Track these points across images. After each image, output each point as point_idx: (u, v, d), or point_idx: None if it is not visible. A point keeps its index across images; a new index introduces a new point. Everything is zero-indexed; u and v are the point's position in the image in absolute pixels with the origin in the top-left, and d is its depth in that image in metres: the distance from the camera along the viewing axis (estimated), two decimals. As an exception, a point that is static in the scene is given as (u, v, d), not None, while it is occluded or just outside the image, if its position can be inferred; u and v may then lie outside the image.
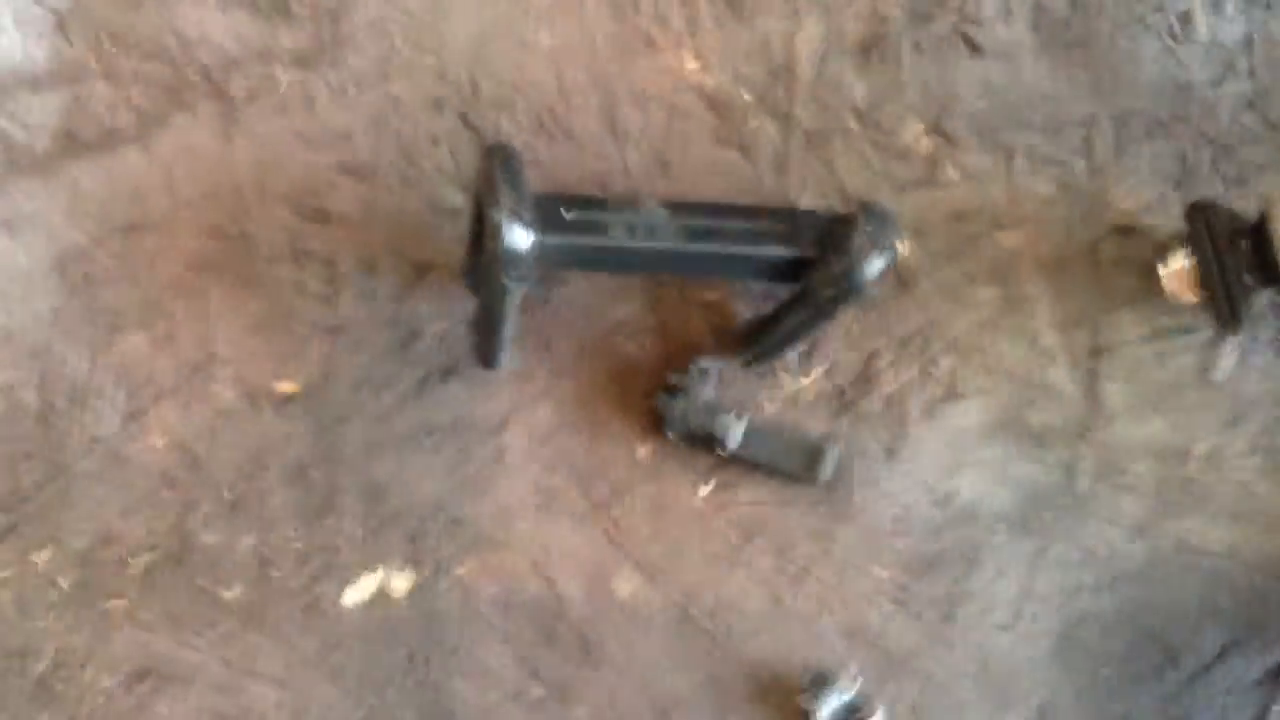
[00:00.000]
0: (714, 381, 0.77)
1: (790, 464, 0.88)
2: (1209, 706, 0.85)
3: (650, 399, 0.81)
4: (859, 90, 0.80)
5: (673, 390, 0.88)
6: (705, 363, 0.77)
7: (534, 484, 0.82)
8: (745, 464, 0.79)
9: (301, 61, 0.86)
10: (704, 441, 0.87)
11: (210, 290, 0.84)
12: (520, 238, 0.73)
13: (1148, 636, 0.85)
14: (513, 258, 0.73)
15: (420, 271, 0.81)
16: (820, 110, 0.80)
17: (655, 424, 0.80)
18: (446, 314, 0.80)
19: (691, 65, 0.83)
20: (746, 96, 0.82)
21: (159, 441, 0.82)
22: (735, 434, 0.78)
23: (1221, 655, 0.86)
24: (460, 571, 0.87)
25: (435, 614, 0.77)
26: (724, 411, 0.80)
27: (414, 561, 0.79)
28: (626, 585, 0.86)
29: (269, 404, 0.80)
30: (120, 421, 0.83)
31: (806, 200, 0.86)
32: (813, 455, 0.85)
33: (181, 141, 0.86)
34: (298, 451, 0.88)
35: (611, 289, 0.81)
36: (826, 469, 0.84)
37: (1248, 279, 0.73)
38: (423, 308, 0.81)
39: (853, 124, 0.80)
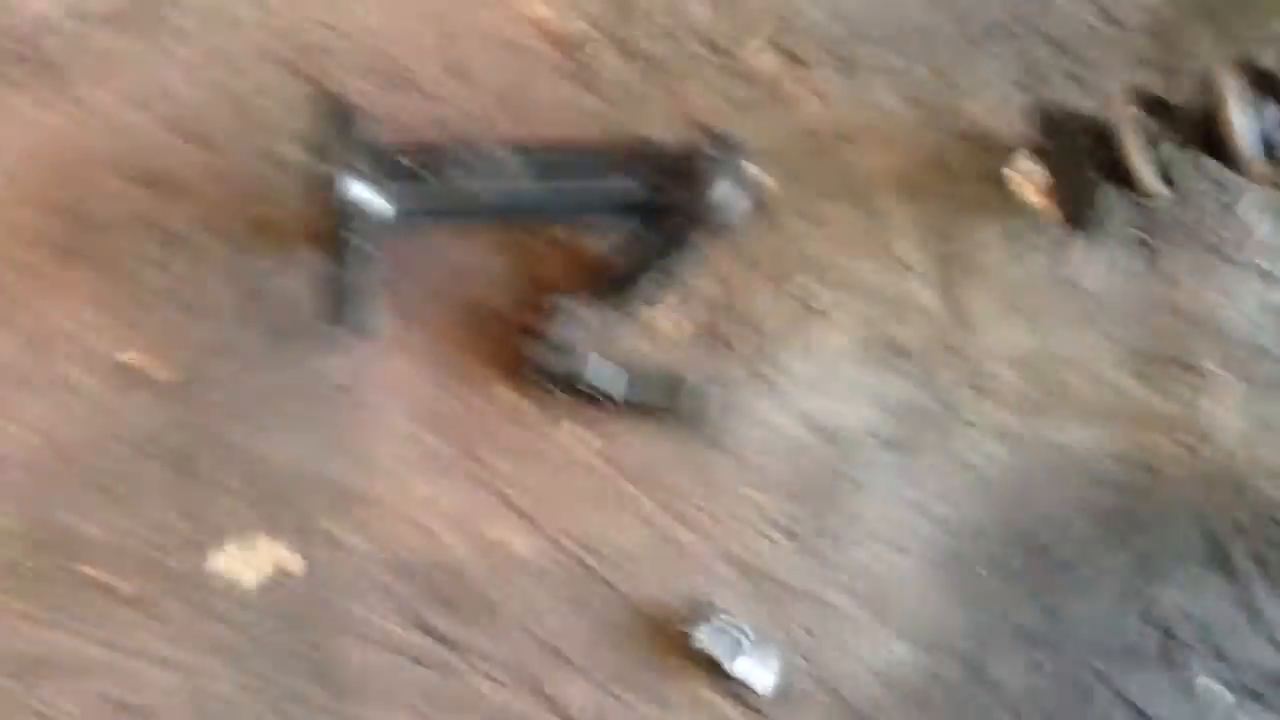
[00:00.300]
0: (575, 322, 0.75)
1: (654, 397, 0.90)
2: (1085, 594, 0.90)
3: (512, 345, 0.78)
4: (700, 14, 0.79)
5: (534, 333, 0.90)
6: (564, 303, 0.74)
7: (403, 439, 0.81)
8: (611, 402, 0.76)
9: (121, 20, 0.82)
10: (570, 383, 0.90)
11: (44, 265, 0.80)
12: (357, 190, 0.70)
13: (1023, 536, 0.91)
14: (350, 211, 0.71)
15: (260, 229, 0.80)
16: (663, 38, 0.79)
17: (520, 370, 0.75)
18: (290, 271, 0.77)
19: (531, 1, 0.81)
20: (588, 29, 0.80)
21: (10, 427, 0.78)
22: (600, 373, 0.77)
23: (1093, 547, 0.91)
24: (339, 534, 0.89)
25: (321, 581, 0.76)
26: (587, 351, 0.78)
27: (294, 530, 0.79)
28: (508, 533, 0.90)
29: (120, 378, 0.77)
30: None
31: (656, 131, 0.94)
32: (674, 386, 0.91)
33: (3, 112, 0.82)
34: (155, 424, 0.90)
35: (462, 236, 0.79)
36: (688, 398, 0.91)
37: (1092, 177, 0.72)
38: (265, 265, 0.79)
39: (697, 48, 0.79)
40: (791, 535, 0.91)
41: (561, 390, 0.90)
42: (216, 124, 0.92)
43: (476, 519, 0.91)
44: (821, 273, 0.91)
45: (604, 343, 0.91)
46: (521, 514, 0.91)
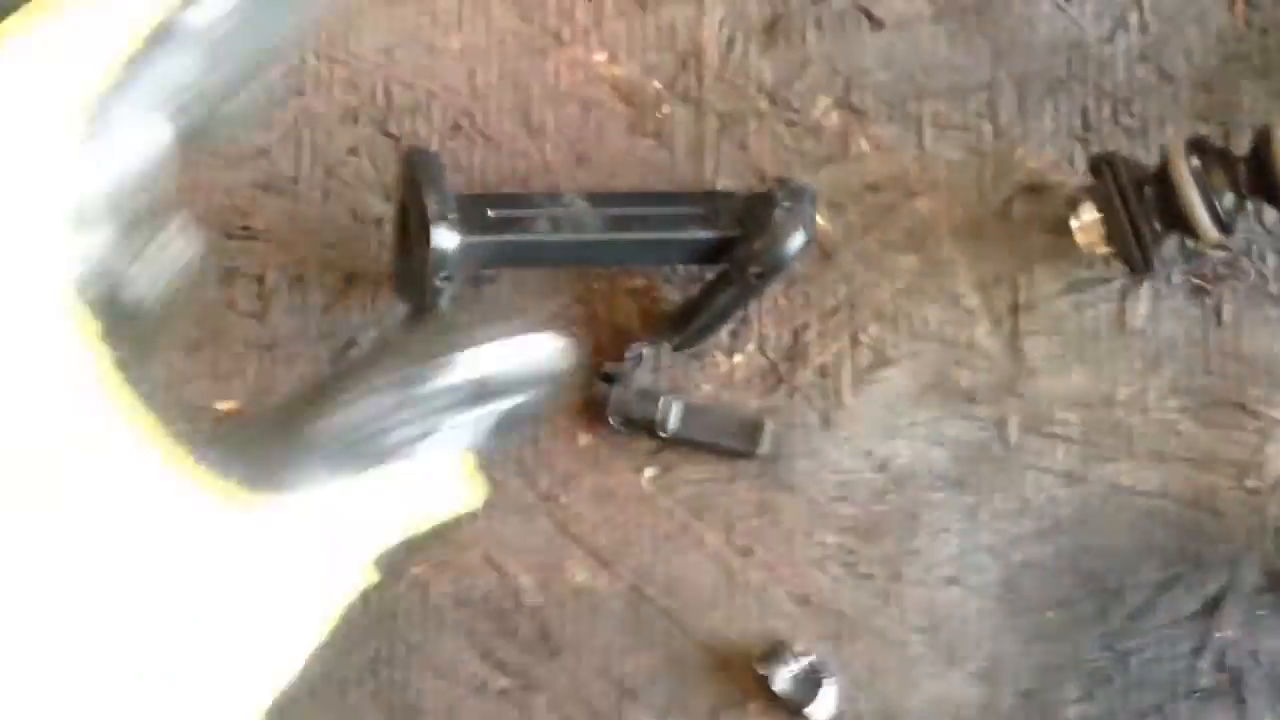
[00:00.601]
0: (649, 366, 0.79)
1: (730, 440, 0.93)
2: (1152, 640, 0.93)
3: (586, 389, 0.83)
4: (766, 71, 0.84)
5: (609, 378, 0.94)
6: (638, 348, 0.79)
7: (480, 479, 0.84)
8: (687, 445, 0.81)
9: (213, 82, 0.86)
10: (644, 426, 0.93)
11: None
12: (446, 239, 0.76)
13: (1088, 578, 0.94)
14: (440, 259, 0.76)
15: (349, 281, 0.85)
16: (730, 93, 0.83)
17: (594, 412, 0.81)
18: (378, 322, 0.82)
19: (600, 57, 0.86)
20: (657, 84, 0.85)
21: None
22: (674, 416, 0.81)
23: (1160, 590, 0.94)
24: (415, 570, 0.93)
25: (393, 614, 0.80)
26: (661, 394, 0.83)
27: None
28: (579, 572, 0.84)
29: (210, 425, 0.83)
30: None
31: (724, 183, 0.83)
32: (751, 430, 0.82)
33: (99, 171, 0.86)
34: None
35: (540, 283, 0.84)
36: (764, 442, 0.81)
37: (1154, 225, 0.76)
38: (354, 318, 0.84)
39: (763, 104, 0.83)
40: (857, 573, 0.94)
41: (638, 433, 0.93)
42: (307, 181, 0.96)
43: (549, 558, 0.95)
44: (889, 320, 0.95)
45: (679, 388, 0.95)
46: (594, 553, 0.94)
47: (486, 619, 0.93)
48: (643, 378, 0.93)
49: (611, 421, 0.95)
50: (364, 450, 0.41)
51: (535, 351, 0.44)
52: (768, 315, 0.95)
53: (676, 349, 0.95)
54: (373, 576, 0.43)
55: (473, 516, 0.93)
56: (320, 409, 0.40)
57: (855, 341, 0.95)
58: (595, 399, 0.94)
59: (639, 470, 0.95)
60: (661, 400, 0.94)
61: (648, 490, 0.95)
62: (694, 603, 0.94)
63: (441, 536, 0.93)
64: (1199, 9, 0.97)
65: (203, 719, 0.38)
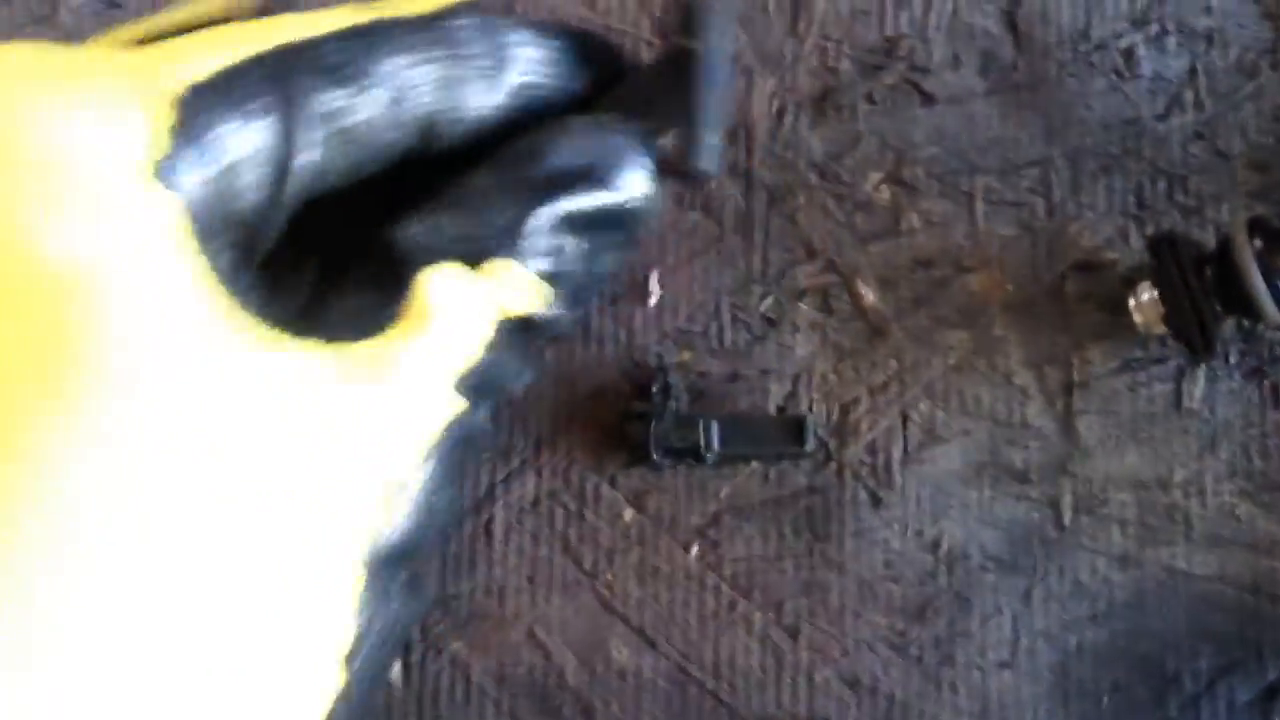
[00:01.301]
0: (680, 396, 0.80)
1: (776, 445, 0.94)
2: None
3: (637, 470, 0.84)
4: (816, 144, 0.84)
5: (642, 416, 0.93)
6: (661, 378, 0.80)
7: (522, 556, 0.84)
8: (736, 514, 0.84)
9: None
10: (689, 453, 0.92)
11: None
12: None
13: (1144, 663, 0.95)
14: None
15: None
16: (780, 167, 0.83)
17: (647, 492, 0.82)
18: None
19: (651, 130, 0.85)
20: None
21: None
22: (716, 434, 0.81)
23: (1217, 676, 0.94)
24: (454, 648, 0.93)
25: (435, 691, 0.80)
26: (698, 417, 0.83)
27: (407, 641, 0.82)
28: (623, 650, 0.84)
29: None
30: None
31: (774, 257, 0.82)
32: (795, 429, 0.85)
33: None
34: None
35: (587, 357, 0.84)
36: (810, 438, 0.93)
37: (1215, 307, 0.76)
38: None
39: (813, 178, 0.83)
40: (908, 655, 0.93)
41: (683, 463, 0.92)
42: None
43: (593, 635, 0.94)
44: (939, 398, 0.94)
45: (714, 409, 0.94)
46: (638, 631, 0.94)
47: (528, 698, 0.93)
48: (677, 406, 0.93)
49: (654, 458, 0.94)
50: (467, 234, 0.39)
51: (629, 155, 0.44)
52: (816, 390, 0.95)
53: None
54: (459, 404, 0.40)
55: (513, 593, 0.93)
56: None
57: (905, 419, 0.95)
58: (632, 441, 0.93)
59: (685, 546, 0.95)
60: (700, 422, 0.93)
61: (694, 567, 0.94)
62: (741, 683, 0.93)
63: (480, 613, 0.93)
64: (1255, 87, 0.97)
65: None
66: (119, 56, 0.36)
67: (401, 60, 0.38)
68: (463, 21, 0.40)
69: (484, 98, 0.40)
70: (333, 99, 0.37)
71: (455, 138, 0.41)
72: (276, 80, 0.36)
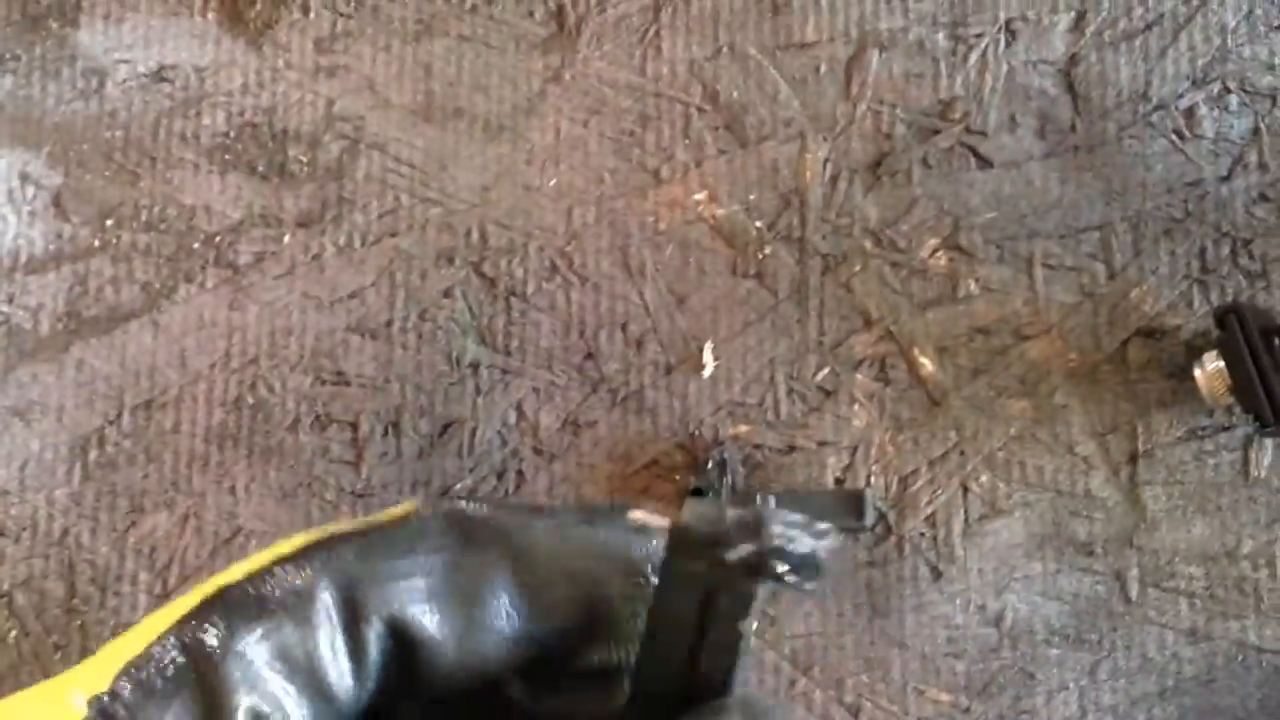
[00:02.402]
0: (736, 470, 0.80)
1: (834, 519, 0.84)
2: None
3: (678, 507, 0.83)
4: (871, 210, 0.83)
5: (699, 491, 0.94)
6: (719, 453, 0.81)
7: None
8: (792, 596, 0.82)
9: (305, 222, 0.89)
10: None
11: (232, 463, 0.86)
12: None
13: None
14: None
15: (443, 429, 0.84)
16: (834, 233, 0.83)
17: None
18: (473, 469, 0.83)
19: (700, 197, 0.86)
20: (758, 224, 0.86)
21: None
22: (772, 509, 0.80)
23: None
24: None
25: None
26: (755, 492, 0.84)
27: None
28: None
29: None
30: (149, 604, 0.85)
31: (829, 325, 0.82)
32: (853, 503, 0.84)
33: (190, 313, 0.89)
34: None
35: (642, 430, 0.84)
36: (868, 513, 0.82)
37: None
38: (449, 465, 0.84)
39: (868, 245, 0.83)
40: (973, 735, 0.93)
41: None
42: (401, 324, 0.97)
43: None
44: (1000, 468, 0.94)
45: (769, 483, 0.94)
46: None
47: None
48: (733, 481, 0.93)
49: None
50: None
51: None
52: (874, 462, 0.95)
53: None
54: None
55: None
56: None
57: (966, 490, 0.95)
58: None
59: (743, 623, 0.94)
60: (758, 496, 0.94)
61: (753, 644, 0.94)
62: (800, 763, 0.93)
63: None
64: (1320, 148, 0.97)
65: None
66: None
67: None
68: None
69: None
70: None
71: None
72: None
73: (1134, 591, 0.94)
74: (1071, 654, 0.94)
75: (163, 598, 0.95)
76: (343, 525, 0.41)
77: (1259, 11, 0.99)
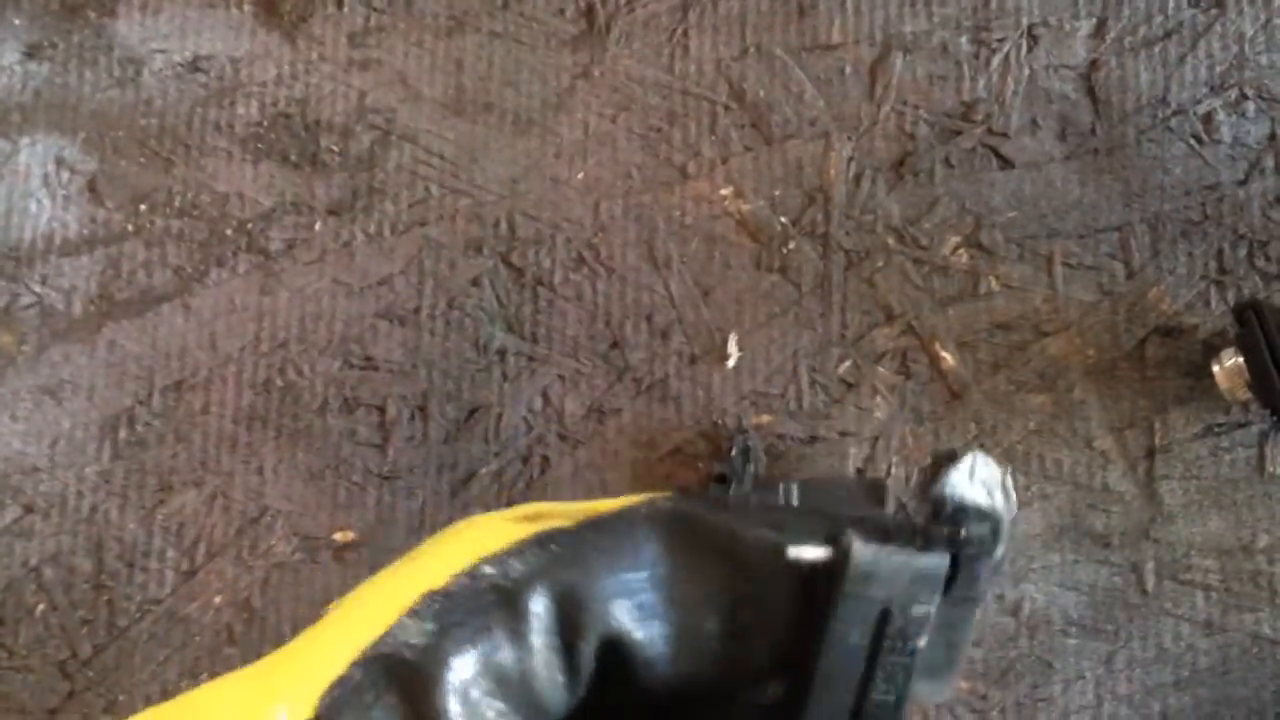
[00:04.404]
0: (758, 458, 0.83)
1: (855, 507, 0.93)
2: None
3: (703, 492, 0.87)
4: (894, 208, 0.87)
5: (723, 478, 0.97)
6: (742, 440, 0.84)
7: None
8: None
9: (336, 210, 0.92)
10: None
11: (260, 444, 0.89)
12: None
13: None
14: None
15: (470, 414, 0.87)
16: (857, 229, 0.86)
17: None
18: (499, 454, 0.85)
19: (725, 192, 0.89)
20: (783, 220, 0.89)
21: (217, 599, 0.86)
22: (796, 496, 0.84)
23: None
24: None
25: None
26: (779, 480, 0.86)
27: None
28: None
29: (327, 554, 0.85)
30: (176, 581, 0.88)
31: (852, 320, 0.85)
32: (875, 491, 0.87)
33: (221, 297, 0.92)
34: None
35: (666, 418, 0.86)
36: (890, 501, 0.85)
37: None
38: (475, 449, 0.87)
39: (891, 241, 0.86)
40: (990, 725, 0.95)
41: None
42: (429, 311, 1.00)
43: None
44: (1019, 462, 0.97)
45: (794, 469, 0.97)
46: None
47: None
48: (756, 469, 0.96)
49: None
50: None
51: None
52: (895, 455, 0.98)
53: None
54: None
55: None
56: None
57: (985, 483, 0.97)
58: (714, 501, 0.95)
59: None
60: (781, 485, 0.96)
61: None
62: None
63: None
64: (1335, 152, 1.01)
65: None
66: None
67: None
68: None
69: None
70: None
71: None
72: None
73: (1150, 583, 0.97)
74: (1088, 644, 0.97)
75: (189, 575, 0.98)
76: (555, 517, 0.39)
77: (1276, 21, 1.03)
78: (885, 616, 0.37)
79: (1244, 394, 0.95)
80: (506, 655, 0.35)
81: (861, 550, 0.39)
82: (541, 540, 0.37)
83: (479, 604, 0.35)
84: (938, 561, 0.39)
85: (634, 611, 0.36)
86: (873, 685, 0.37)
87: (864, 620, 0.37)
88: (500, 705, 0.35)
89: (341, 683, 0.35)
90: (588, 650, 0.36)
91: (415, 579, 0.35)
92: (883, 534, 0.40)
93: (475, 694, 0.34)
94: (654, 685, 0.37)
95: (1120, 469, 0.99)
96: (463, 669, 0.35)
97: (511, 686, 0.35)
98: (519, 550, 0.36)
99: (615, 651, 0.36)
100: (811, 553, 0.39)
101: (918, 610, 0.37)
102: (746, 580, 0.38)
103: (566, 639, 0.36)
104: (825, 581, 0.38)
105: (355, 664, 0.36)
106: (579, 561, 0.36)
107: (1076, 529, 0.99)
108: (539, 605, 0.35)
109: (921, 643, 0.38)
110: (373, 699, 0.34)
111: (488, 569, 0.36)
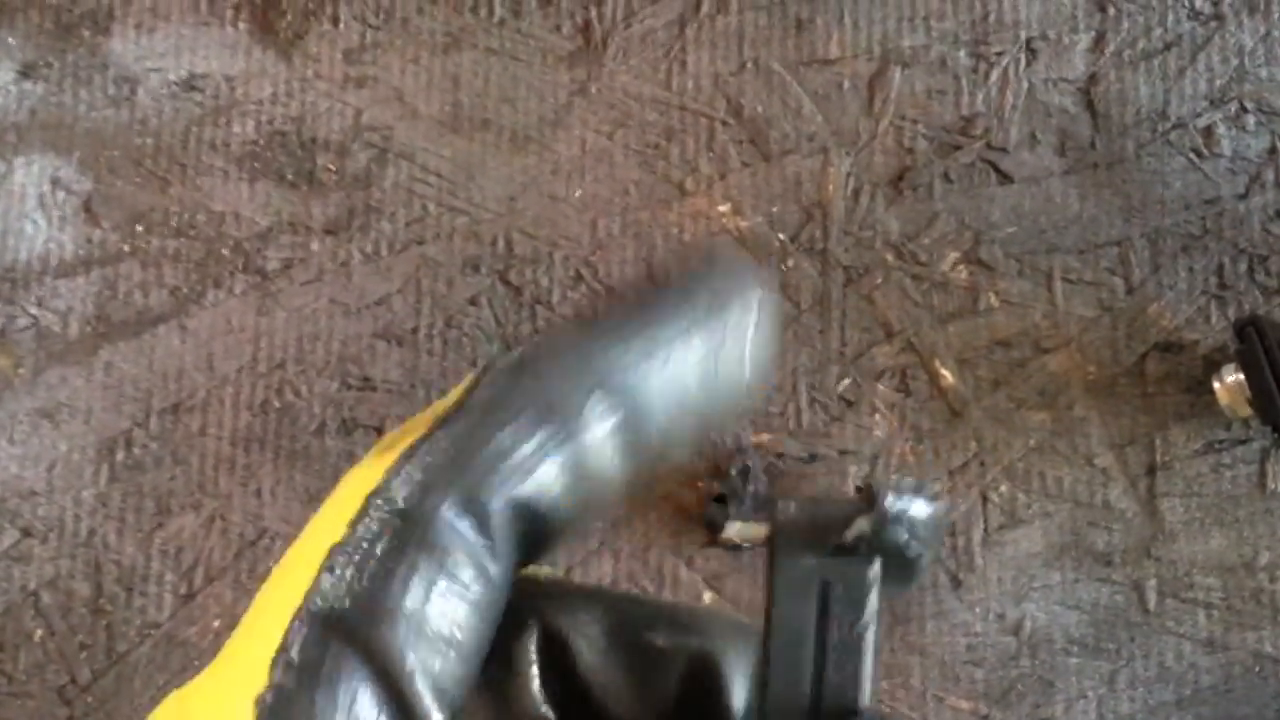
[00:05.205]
0: (758, 477, 0.83)
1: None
2: None
3: (699, 514, 0.88)
4: (893, 223, 0.87)
5: (721, 499, 0.97)
6: (740, 460, 0.84)
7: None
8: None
9: (333, 229, 0.92)
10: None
11: (258, 466, 0.89)
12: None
13: None
14: None
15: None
16: (856, 246, 0.87)
17: (711, 539, 0.86)
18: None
19: (723, 209, 0.90)
20: (781, 237, 0.89)
21: (216, 623, 0.87)
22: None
23: None
24: None
25: None
26: (777, 499, 0.86)
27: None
28: None
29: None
30: (175, 605, 0.88)
31: (851, 337, 0.85)
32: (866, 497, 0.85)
33: (218, 317, 0.92)
34: None
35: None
36: (881, 504, 0.84)
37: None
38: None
39: (890, 258, 0.87)
40: (992, 744, 0.95)
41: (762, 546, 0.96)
42: (427, 331, 1.00)
43: None
44: (1020, 479, 0.97)
45: (792, 491, 0.97)
46: None
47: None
48: (755, 489, 0.96)
49: (736, 539, 0.96)
50: None
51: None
52: (895, 472, 0.98)
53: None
54: None
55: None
56: None
57: (985, 500, 0.98)
58: (712, 522, 0.96)
59: (763, 630, 0.97)
60: (779, 504, 0.95)
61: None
62: (820, 769, 0.95)
63: None
64: (1336, 166, 1.01)
65: None
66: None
67: None
68: None
69: None
70: None
71: None
72: None
73: (1152, 602, 0.97)
74: (1090, 663, 0.97)
75: (188, 598, 0.98)
76: (409, 433, 0.40)
77: (1276, 34, 1.03)
78: (825, 596, 0.37)
79: (1245, 409, 0.96)
80: (432, 570, 0.35)
81: (785, 509, 0.39)
82: (408, 454, 0.38)
83: (386, 537, 0.36)
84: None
85: (530, 465, 0.37)
86: (827, 676, 0.37)
87: (804, 586, 0.37)
88: (451, 615, 0.35)
89: (284, 645, 0.37)
90: (500, 512, 0.34)
91: (313, 544, 0.36)
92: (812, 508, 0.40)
93: (421, 619, 0.35)
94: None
95: (1121, 486, 0.99)
96: (397, 600, 0.35)
97: (450, 597, 0.36)
98: (394, 472, 0.37)
99: (527, 510, 0.37)
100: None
101: (858, 573, 0.38)
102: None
103: (476, 515, 0.36)
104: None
105: (289, 627, 0.37)
106: (453, 454, 0.37)
107: (1078, 547, 0.99)
108: (440, 507, 0.36)
109: (870, 622, 0.39)
110: (329, 665, 0.35)
111: (377, 502, 0.36)
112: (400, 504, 0.38)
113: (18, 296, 1.05)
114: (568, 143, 1.07)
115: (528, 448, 0.39)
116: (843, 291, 1.03)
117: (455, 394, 0.41)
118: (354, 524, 0.39)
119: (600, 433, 0.40)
